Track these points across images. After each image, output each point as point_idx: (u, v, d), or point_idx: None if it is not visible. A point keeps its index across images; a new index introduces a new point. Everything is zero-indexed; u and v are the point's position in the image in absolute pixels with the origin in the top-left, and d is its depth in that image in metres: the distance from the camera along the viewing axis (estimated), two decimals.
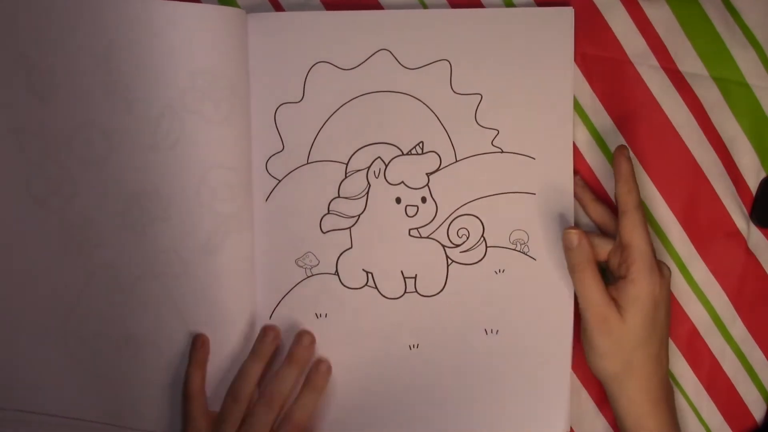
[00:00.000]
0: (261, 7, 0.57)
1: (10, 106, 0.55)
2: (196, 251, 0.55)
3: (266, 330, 0.56)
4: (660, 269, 0.52)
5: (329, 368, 0.56)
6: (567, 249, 0.53)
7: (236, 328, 0.56)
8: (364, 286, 0.57)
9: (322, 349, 0.57)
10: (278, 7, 0.57)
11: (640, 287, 0.51)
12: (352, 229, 0.57)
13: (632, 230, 0.51)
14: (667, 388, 0.53)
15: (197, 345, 0.55)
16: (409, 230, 0.57)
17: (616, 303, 0.51)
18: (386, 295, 0.57)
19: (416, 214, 0.56)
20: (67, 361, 0.57)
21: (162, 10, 0.53)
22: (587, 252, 0.52)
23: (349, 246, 0.57)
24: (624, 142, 0.57)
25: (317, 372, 0.56)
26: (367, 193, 0.56)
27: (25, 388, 0.57)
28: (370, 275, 0.57)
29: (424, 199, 0.56)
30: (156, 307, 0.56)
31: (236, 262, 0.56)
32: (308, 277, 0.57)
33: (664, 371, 0.53)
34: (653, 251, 0.52)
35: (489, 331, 0.57)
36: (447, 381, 0.57)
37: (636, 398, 0.52)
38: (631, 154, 0.56)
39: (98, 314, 0.56)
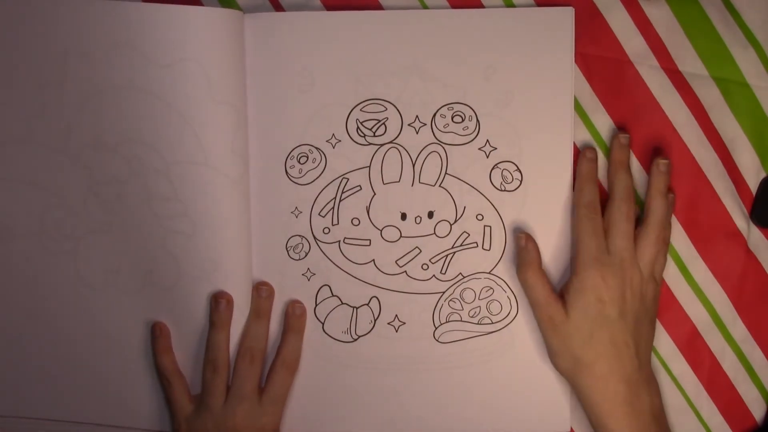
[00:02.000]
0: (261, 7, 0.57)
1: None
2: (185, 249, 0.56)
3: (218, 299, 0.56)
4: (621, 269, 0.52)
5: (304, 310, 0.57)
6: (517, 249, 0.55)
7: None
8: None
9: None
10: (278, 8, 0.57)
11: (580, 280, 0.52)
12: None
13: (576, 226, 0.54)
14: (634, 389, 0.52)
15: (156, 334, 0.56)
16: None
17: (563, 300, 0.53)
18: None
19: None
20: (53, 364, 0.58)
21: (156, 13, 0.53)
22: (532, 254, 0.55)
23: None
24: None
25: (293, 315, 0.57)
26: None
27: (15, 393, 0.58)
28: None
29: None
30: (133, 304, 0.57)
31: (233, 250, 0.56)
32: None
33: (626, 371, 0.52)
34: (604, 249, 0.53)
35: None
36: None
37: (592, 398, 0.52)
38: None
39: (81, 312, 0.57)
